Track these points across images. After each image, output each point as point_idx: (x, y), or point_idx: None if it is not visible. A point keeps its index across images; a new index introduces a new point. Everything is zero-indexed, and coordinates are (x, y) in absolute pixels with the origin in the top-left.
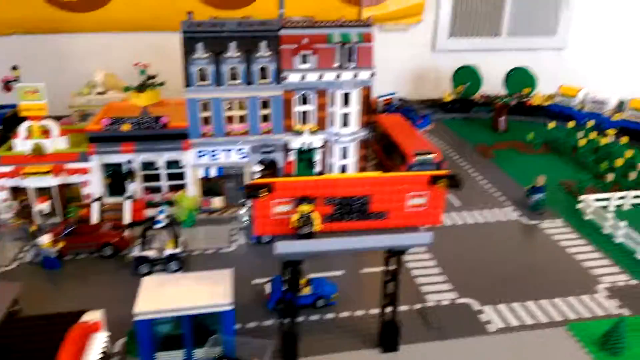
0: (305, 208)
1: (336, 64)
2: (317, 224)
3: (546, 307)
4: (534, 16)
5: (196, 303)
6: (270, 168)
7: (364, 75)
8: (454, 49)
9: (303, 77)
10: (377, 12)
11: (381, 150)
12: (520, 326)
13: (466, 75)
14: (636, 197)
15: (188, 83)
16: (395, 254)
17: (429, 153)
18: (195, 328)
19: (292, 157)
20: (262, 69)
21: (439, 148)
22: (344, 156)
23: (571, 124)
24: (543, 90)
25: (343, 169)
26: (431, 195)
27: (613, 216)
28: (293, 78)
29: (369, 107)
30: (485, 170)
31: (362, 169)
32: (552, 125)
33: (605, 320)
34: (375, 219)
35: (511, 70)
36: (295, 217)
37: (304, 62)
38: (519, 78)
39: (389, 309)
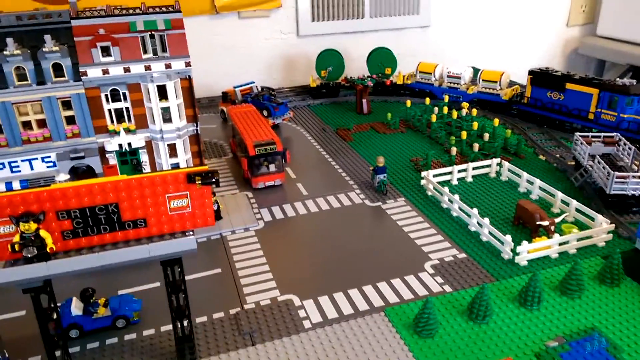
0: (25, 227)
1: (146, 55)
2: (50, 243)
3: (370, 293)
4: None
5: None
6: (87, 175)
7: (178, 65)
8: (318, 33)
9: (106, 72)
10: None
11: (235, 144)
12: (337, 318)
13: (329, 59)
14: (476, 168)
15: None
16: (169, 264)
17: (271, 143)
18: None
19: (113, 160)
20: (56, 66)
21: (286, 137)
22: (174, 155)
23: (427, 101)
24: (411, 69)
25: (176, 169)
26: (193, 195)
27: (448, 190)
28: (93, 73)
29: (192, 100)
30: (340, 155)
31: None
32: (408, 103)
33: (419, 301)
34: (133, 228)
35: (372, 51)
36: (15, 238)
37: (107, 54)
38: (380, 58)
39: (184, 323)
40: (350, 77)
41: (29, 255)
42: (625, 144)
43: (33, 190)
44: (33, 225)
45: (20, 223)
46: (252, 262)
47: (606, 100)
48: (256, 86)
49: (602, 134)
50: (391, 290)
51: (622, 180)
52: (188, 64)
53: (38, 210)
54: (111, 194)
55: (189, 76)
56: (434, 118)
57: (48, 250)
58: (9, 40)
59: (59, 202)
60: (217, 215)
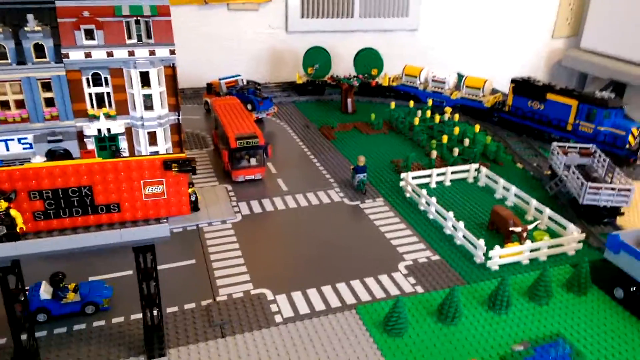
0: None
1: (130, 41)
2: (20, 223)
3: (343, 290)
4: None
5: None
6: (64, 158)
7: (162, 52)
8: (307, 30)
9: (88, 55)
10: None
11: (217, 136)
12: (308, 314)
13: (316, 57)
14: (454, 172)
15: None
16: (141, 250)
17: (254, 137)
18: None
19: (91, 145)
20: (38, 47)
21: (269, 132)
22: (154, 143)
23: (411, 104)
24: (398, 71)
25: None
26: (169, 182)
27: (426, 193)
28: (76, 56)
29: (175, 88)
30: (322, 152)
31: None
32: (392, 105)
33: (391, 300)
34: (106, 212)
35: (359, 51)
36: None
37: (90, 38)
38: (367, 59)
39: (154, 312)
40: (337, 76)
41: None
42: (600, 155)
43: (5, 168)
44: (3, 204)
45: None
46: (227, 254)
47: (584, 112)
48: (242, 79)
49: (579, 145)
50: (364, 288)
51: (595, 191)
52: (173, 52)
53: (9, 189)
54: (85, 176)
55: (173, 64)
56: (416, 121)
57: (18, 230)
58: None
59: (31, 181)
60: (195, 207)
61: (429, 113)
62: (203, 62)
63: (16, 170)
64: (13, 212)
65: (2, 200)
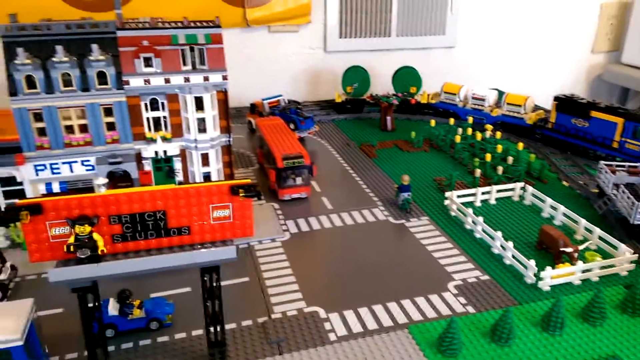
0: (80, 229)
1: (185, 67)
2: (101, 246)
3: (394, 310)
4: (422, 17)
5: None
6: (124, 180)
7: (215, 78)
8: (345, 49)
9: (147, 82)
10: (262, 13)
11: (262, 155)
12: (361, 332)
13: (355, 76)
14: (499, 191)
15: (13, 92)
16: (207, 271)
17: (299, 157)
18: None
19: (148, 167)
20: (100, 74)
21: (312, 150)
22: (206, 164)
23: (451, 121)
24: (435, 89)
25: (207, 177)
26: (235, 206)
27: (472, 212)
28: (135, 82)
29: (226, 112)
30: (364, 170)
31: (229, 176)
32: (432, 123)
33: (443, 320)
34: (177, 235)
35: (398, 70)
36: (70, 239)
37: (148, 65)
38: (406, 77)
39: (217, 328)
40: (376, 95)
41: (82, 257)
42: None
43: (88, 195)
44: (88, 228)
45: (76, 225)
46: (279, 272)
47: (630, 129)
48: (284, 99)
49: (627, 164)
50: (415, 307)
51: None
52: (225, 77)
53: (92, 214)
54: (160, 201)
55: (225, 89)
56: (457, 139)
57: (99, 252)
58: (58, 48)
59: (111, 207)
60: None
61: (469, 130)
62: (245, 82)
63: (98, 196)
64: (95, 235)
65: (87, 225)
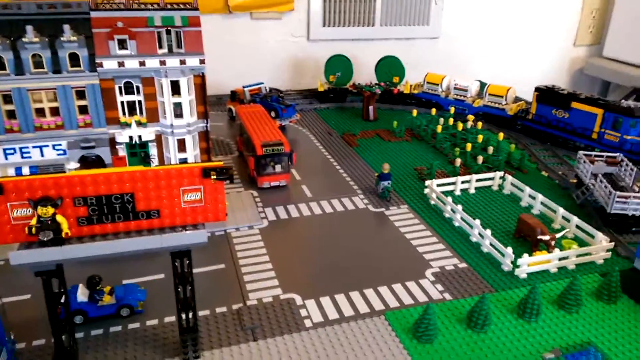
0: (43, 211)
1: (161, 50)
2: (65, 228)
3: (371, 296)
4: (406, 7)
5: None
6: (96, 165)
7: (192, 61)
8: (328, 38)
9: (121, 64)
10: (245, 0)
11: (242, 143)
12: (337, 319)
13: (338, 65)
14: (479, 180)
15: None
16: (178, 255)
17: (279, 144)
18: None
19: (122, 152)
20: (73, 56)
21: (293, 139)
22: (183, 150)
23: (433, 111)
24: (419, 79)
25: (184, 163)
26: (207, 189)
27: (451, 200)
28: (109, 65)
29: (204, 97)
30: (345, 159)
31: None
32: (414, 112)
33: (420, 307)
34: (146, 218)
35: (381, 59)
36: (33, 221)
37: (123, 47)
38: (389, 67)
39: (189, 315)
40: (358, 84)
41: (45, 239)
42: (627, 164)
43: (52, 175)
44: (50, 210)
45: (39, 207)
46: (256, 259)
47: (610, 121)
48: (265, 87)
49: (605, 154)
50: (392, 294)
51: (623, 200)
52: (202, 62)
53: (56, 196)
54: (128, 183)
55: (203, 73)
56: (439, 129)
57: (63, 235)
58: (28, 28)
59: (76, 188)
60: None
61: (451, 121)
62: (226, 69)
63: (62, 177)
64: (59, 217)
65: (49, 207)
